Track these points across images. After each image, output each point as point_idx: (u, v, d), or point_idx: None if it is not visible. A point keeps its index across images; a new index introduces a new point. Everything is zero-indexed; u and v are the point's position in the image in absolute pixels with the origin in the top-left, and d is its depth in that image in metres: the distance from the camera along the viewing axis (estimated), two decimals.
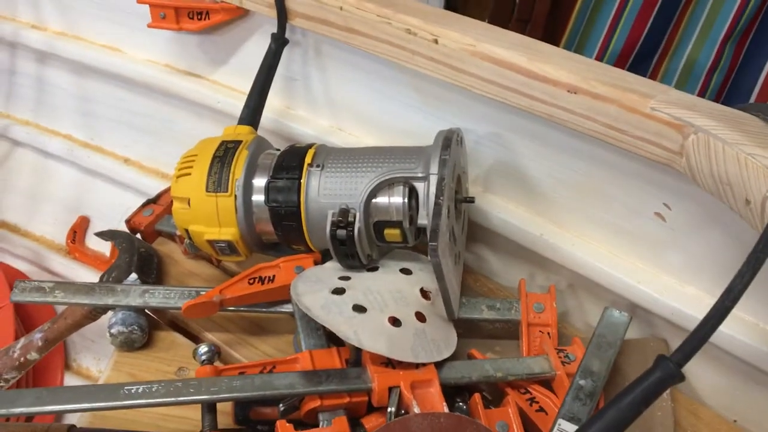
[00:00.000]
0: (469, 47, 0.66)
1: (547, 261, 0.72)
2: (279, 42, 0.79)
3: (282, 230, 0.68)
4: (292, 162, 0.68)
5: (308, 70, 0.84)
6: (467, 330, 0.71)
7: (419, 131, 0.78)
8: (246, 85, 0.81)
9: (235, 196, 0.67)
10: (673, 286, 0.66)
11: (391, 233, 0.66)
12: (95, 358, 1.02)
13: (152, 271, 0.76)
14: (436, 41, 0.68)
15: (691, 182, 0.57)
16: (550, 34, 1.55)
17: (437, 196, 0.61)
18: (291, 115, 0.87)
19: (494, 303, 0.70)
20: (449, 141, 0.64)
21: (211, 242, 0.68)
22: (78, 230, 1.07)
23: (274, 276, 0.69)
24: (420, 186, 0.64)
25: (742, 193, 0.52)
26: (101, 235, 0.80)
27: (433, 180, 0.62)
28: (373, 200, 0.65)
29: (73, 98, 1.06)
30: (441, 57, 0.68)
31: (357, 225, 0.64)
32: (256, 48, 0.84)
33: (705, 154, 0.55)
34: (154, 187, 0.98)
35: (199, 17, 0.85)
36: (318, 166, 0.67)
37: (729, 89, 1.60)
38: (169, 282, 0.78)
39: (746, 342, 0.62)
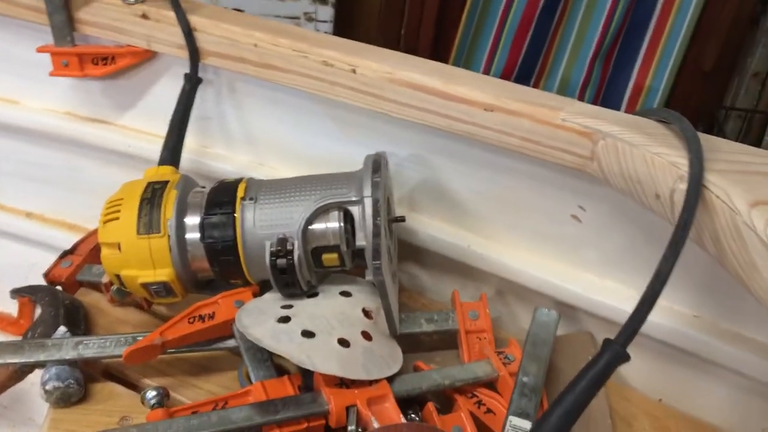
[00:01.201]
0: (387, 75, 0.70)
1: (476, 271, 0.76)
2: (193, 82, 0.79)
3: (219, 266, 0.68)
4: (224, 197, 0.68)
5: (223, 108, 0.85)
6: (407, 345, 0.73)
7: (338, 160, 0.80)
8: (157, 127, 0.81)
9: (169, 236, 0.67)
10: (593, 282, 0.72)
11: (329, 258, 0.68)
12: (11, 426, 0.96)
13: (80, 322, 0.74)
14: (354, 71, 0.71)
15: (602, 184, 0.63)
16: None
17: (374, 217, 0.64)
18: (208, 153, 0.88)
19: (432, 315, 0.72)
20: (378, 164, 0.67)
21: (145, 285, 0.67)
22: None
23: (214, 313, 0.68)
24: (355, 209, 0.66)
25: (652, 188, 0.58)
26: (19, 291, 0.77)
27: (368, 203, 0.65)
28: (310, 227, 0.67)
29: None
30: (360, 86, 0.71)
31: (296, 253, 0.65)
32: (166, 89, 0.84)
33: (614, 156, 0.60)
34: (62, 238, 0.95)
35: (104, 62, 0.84)
36: (251, 199, 0.68)
37: (602, 101, 1.74)
38: (98, 332, 0.76)
39: (663, 324, 0.68)
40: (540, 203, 0.72)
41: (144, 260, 0.67)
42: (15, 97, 0.95)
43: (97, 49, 0.84)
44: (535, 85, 1.67)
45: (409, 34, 1.57)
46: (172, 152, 0.77)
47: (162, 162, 0.76)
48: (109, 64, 0.84)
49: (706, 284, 0.66)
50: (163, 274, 0.67)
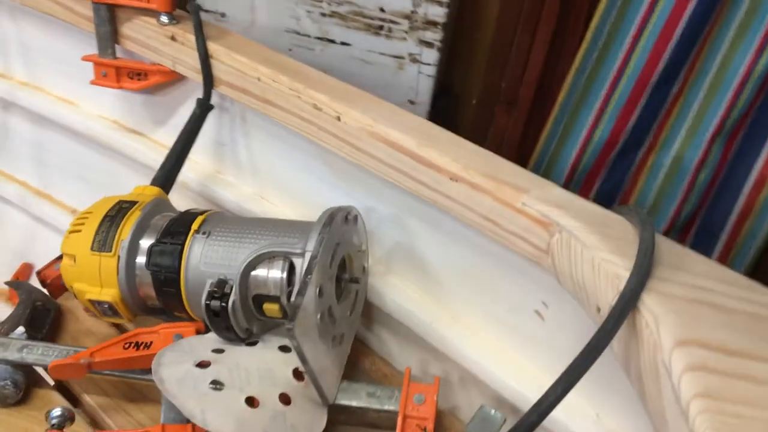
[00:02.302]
0: (368, 127, 0.66)
1: (436, 351, 0.69)
2: (203, 108, 0.79)
3: (162, 296, 0.67)
4: (180, 227, 0.67)
5: (235, 137, 0.84)
6: (349, 416, 0.68)
7: (329, 204, 0.76)
8: None
9: (119, 257, 0.66)
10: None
11: (270, 308, 0.65)
12: None
13: (44, 325, 0.75)
14: (339, 118, 0.68)
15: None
16: (536, 120, 1.54)
17: (305, 274, 0.59)
18: (219, 179, 0.87)
19: (375, 390, 0.67)
20: (332, 219, 0.63)
21: (92, 302, 0.67)
22: (21, 277, 1.07)
23: (151, 342, 0.67)
24: (298, 262, 0.63)
25: (594, 299, 0.50)
26: (8, 284, 0.80)
27: (306, 257, 0.61)
28: (252, 273, 0.64)
29: (30, 146, 1.08)
30: (343, 134, 0.68)
31: (232, 297, 0.63)
32: (190, 111, 0.85)
33: (566, 255, 0.53)
34: None
35: (138, 77, 0.87)
36: (204, 233, 0.66)
37: (718, 187, 1.57)
38: (63, 338, 0.77)
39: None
40: (506, 290, 0.64)
41: (93, 277, 0.67)
42: (74, 99, 1.01)
43: (133, 64, 0.86)
44: (644, 160, 1.53)
45: (510, 89, 1.50)
46: (166, 174, 0.78)
47: (154, 181, 0.77)
48: (143, 80, 0.87)
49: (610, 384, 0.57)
50: (108, 294, 0.67)
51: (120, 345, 0.67)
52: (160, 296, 0.67)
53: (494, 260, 0.63)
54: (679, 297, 0.45)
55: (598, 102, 1.50)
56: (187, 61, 0.80)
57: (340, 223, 0.64)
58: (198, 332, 0.68)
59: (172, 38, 0.81)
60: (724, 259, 1.63)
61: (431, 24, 1.55)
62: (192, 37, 0.79)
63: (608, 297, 0.48)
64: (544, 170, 1.58)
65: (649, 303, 0.45)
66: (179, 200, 0.89)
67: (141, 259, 0.67)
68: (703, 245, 1.63)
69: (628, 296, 0.45)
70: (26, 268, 1.09)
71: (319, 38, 1.60)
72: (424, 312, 0.70)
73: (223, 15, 1.62)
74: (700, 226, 1.62)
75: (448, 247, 0.68)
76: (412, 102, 1.62)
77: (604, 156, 1.53)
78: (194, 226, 0.66)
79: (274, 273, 0.63)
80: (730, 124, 1.47)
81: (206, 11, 1.61)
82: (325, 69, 1.60)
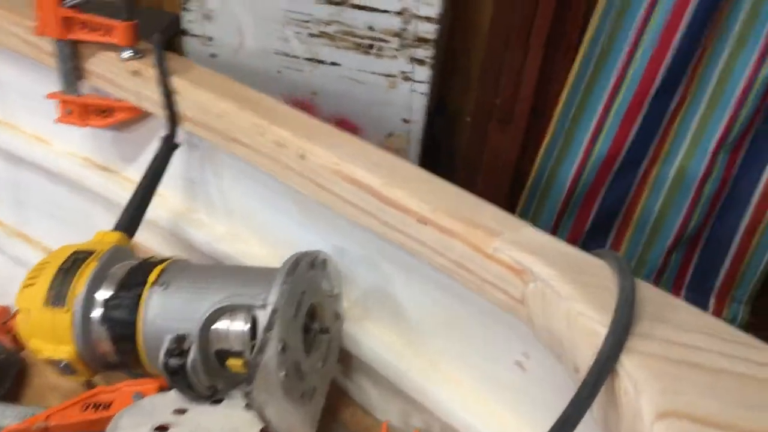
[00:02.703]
0: (332, 165, 0.61)
1: (417, 401, 0.65)
2: (168, 146, 0.76)
3: (120, 353, 0.63)
4: (136, 278, 0.63)
5: (205, 174, 0.80)
6: None
7: (303, 246, 0.72)
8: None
9: (73, 312, 0.62)
10: None
11: (234, 364, 0.61)
12: None
13: (6, 380, 0.71)
14: (303, 157, 0.63)
15: None
16: (532, 137, 1.50)
17: (266, 330, 0.55)
18: (191, 218, 0.83)
19: None
20: (296, 266, 0.59)
21: (48, 360, 0.63)
22: None
23: (111, 402, 0.63)
24: (260, 315, 0.59)
25: (572, 356, 0.45)
26: None
27: (268, 310, 0.57)
28: (214, 327, 0.60)
29: (6, 184, 1.05)
30: (308, 173, 0.64)
31: (191, 355, 0.59)
32: None
33: (541, 306, 0.48)
34: None
35: (104, 114, 0.83)
36: (163, 284, 0.62)
37: (725, 199, 1.51)
38: (27, 394, 0.73)
39: None
40: (485, 339, 0.60)
41: (47, 333, 0.63)
42: (46, 136, 0.97)
43: (99, 101, 0.83)
44: (647, 174, 1.48)
45: (505, 105, 1.46)
46: (130, 218, 0.74)
47: (117, 226, 0.73)
48: (109, 117, 0.83)
49: None
50: (64, 351, 0.63)
51: (79, 406, 0.63)
52: (118, 353, 0.63)
53: (471, 307, 0.59)
54: (661, 357, 0.41)
55: (596, 116, 1.46)
56: (152, 97, 0.76)
57: (305, 269, 0.60)
58: (161, 389, 0.64)
59: (135, 73, 0.77)
60: (734, 273, 1.58)
61: (422, 41, 1.51)
62: (155, 72, 0.75)
63: (586, 356, 0.43)
64: (543, 188, 1.53)
65: (629, 366, 0.40)
66: (151, 239, 0.86)
67: (97, 313, 0.63)
68: (710, 260, 1.57)
69: (605, 359, 0.41)
70: (4, 312, 1.05)
71: (308, 59, 1.56)
72: (402, 360, 0.65)
73: (210, 39, 1.59)
74: (707, 240, 1.56)
75: (422, 291, 0.63)
76: (406, 121, 1.58)
77: (605, 171, 1.48)
78: (152, 277, 0.62)
79: (237, 326, 0.59)
80: (734, 135, 1.42)
81: (193, 35, 1.59)
82: (316, 90, 1.57)
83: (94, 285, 0.63)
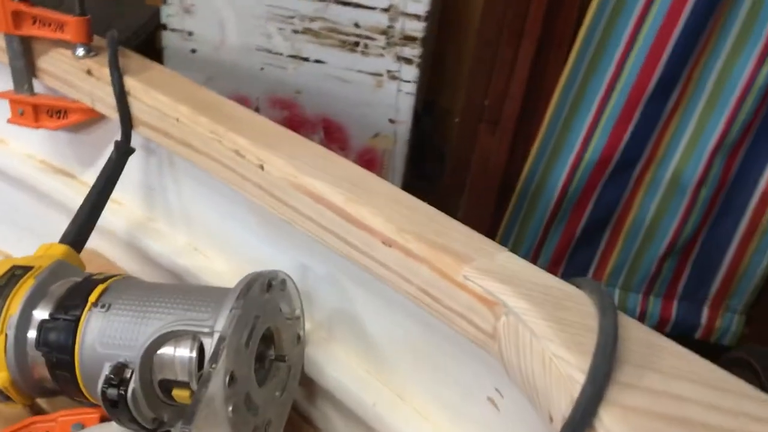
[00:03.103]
0: (291, 177, 0.56)
1: None
2: (121, 151, 0.70)
3: (57, 380, 0.57)
4: (76, 298, 0.57)
5: (164, 182, 0.75)
6: None
7: (265, 260, 0.67)
8: (115, 192, 0.73)
9: (6, 335, 0.57)
10: None
11: (181, 395, 0.55)
12: None
13: None
14: (261, 167, 0.58)
15: None
16: (522, 139, 1.44)
17: (210, 362, 0.50)
18: (150, 228, 0.78)
19: None
20: (248, 289, 0.53)
21: None
22: None
23: None
24: (207, 343, 0.53)
25: (546, 404, 0.40)
26: None
27: (215, 338, 0.51)
28: (157, 354, 0.54)
29: None
30: (267, 185, 0.58)
31: (132, 385, 0.53)
32: None
33: (514, 343, 0.43)
34: None
35: (57, 116, 0.78)
36: (103, 306, 0.56)
37: (722, 204, 1.46)
38: None
39: None
40: (457, 372, 0.54)
41: None
42: (4, 136, 0.92)
43: (52, 101, 0.77)
44: (641, 177, 1.43)
45: (493, 106, 1.40)
46: (78, 230, 0.68)
47: (64, 238, 0.68)
48: (62, 118, 0.77)
49: None
50: None
51: None
52: (55, 380, 0.57)
53: (440, 337, 0.54)
54: (646, 410, 0.36)
55: (588, 118, 1.40)
56: (105, 99, 0.71)
57: (258, 292, 0.55)
58: (104, 419, 0.59)
59: (89, 72, 0.71)
60: (729, 281, 1.53)
61: (409, 39, 1.45)
62: (108, 72, 0.69)
63: (561, 405, 0.38)
64: (533, 192, 1.48)
65: (608, 421, 0.35)
66: (109, 250, 0.80)
67: (31, 335, 0.57)
68: (705, 267, 1.52)
69: (582, 412, 0.35)
70: None
71: (291, 56, 1.50)
72: (368, 390, 0.60)
73: (190, 34, 1.53)
74: (702, 247, 1.51)
75: (388, 317, 0.58)
76: (392, 121, 1.52)
77: (597, 175, 1.43)
78: (92, 298, 0.57)
79: (182, 354, 0.54)
80: (731, 138, 1.37)
81: (173, 30, 1.53)
82: (300, 89, 1.51)
83: (30, 305, 0.58)
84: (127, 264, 0.81)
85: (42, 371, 0.58)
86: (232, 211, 0.68)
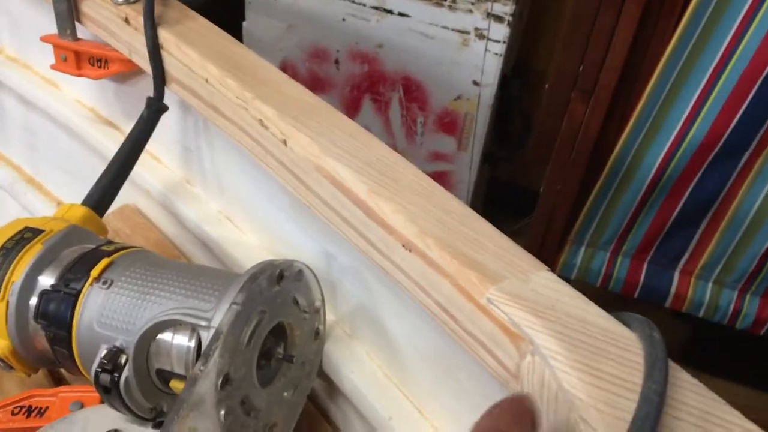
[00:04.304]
0: (314, 158, 0.49)
1: None
2: (153, 109, 0.65)
3: (56, 356, 0.54)
4: (79, 270, 0.53)
5: (200, 144, 0.70)
6: None
7: (293, 242, 0.61)
8: (153, 147, 0.68)
9: (8, 302, 0.53)
10: None
11: (178, 387, 0.50)
12: None
13: None
14: (285, 142, 0.51)
15: None
16: (617, 112, 1.32)
17: (200, 362, 0.44)
18: (186, 190, 0.73)
19: None
20: (253, 281, 0.48)
21: None
22: None
23: (46, 408, 0.55)
24: (204, 336, 0.48)
25: None
26: None
27: (210, 333, 0.46)
28: (154, 342, 0.50)
29: (22, 129, 0.98)
30: (289, 163, 0.52)
31: (125, 373, 0.49)
32: None
33: (538, 391, 0.35)
34: None
35: (99, 65, 0.73)
36: (105, 282, 0.52)
37: None
38: None
39: None
40: (480, 395, 0.47)
41: None
42: (57, 80, 0.89)
43: (93, 49, 0.73)
44: (747, 166, 1.28)
45: (588, 74, 1.28)
46: (102, 191, 0.64)
47: (87, 199, 0.64)
48: (103, 68, 0.73)
49: None
50: None
51: (8, 410, 0.55)
52: (54, 355, 0.54)
53: (466, 358, 0.46)
54: None
55: (693, 97, 1.25)
56: (141, 50, 0.65)
57: (266, 285, 0.49)
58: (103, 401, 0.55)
59: (126, 21, 0.66)
60: None
61: None
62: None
63: None
64: (625, 171, 1.35)
65: None
66: (149, 209, 0.77)
67: (33, 302, 0.54)
68: None
69: None
70: None
71: (375, 7, 1.42)
72: (384, 400, 0.53)
73: None
74: None
75: (412, 324, 0.51)
76: (476, 83, 1.42)
77: (699, 159, 1.29)
78: (94, 272, 0.52)
79: (179, 343, 0.49)
80: None
81: None
82: (381, 42, 1.43)
83: (35, 271, 0.54)
84: (164, 226, 0.77)
85: (43, 343, 0.54)
86: (264, 184, 0.62)
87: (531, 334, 0.36)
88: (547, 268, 0.40)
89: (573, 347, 0.35)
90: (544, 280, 0.39)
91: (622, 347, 0.35)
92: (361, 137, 0.51)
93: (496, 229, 0.43)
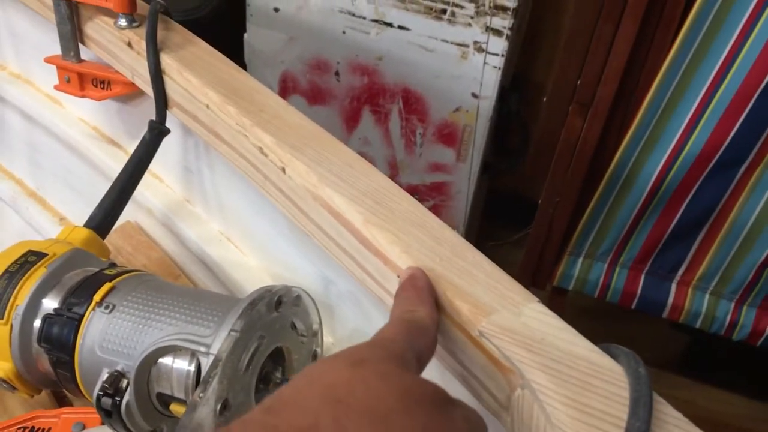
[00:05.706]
0: (312, 186, 0.50)
1: None
2: (156, 131, 0.66)
3: (59, 378, 0.55)
4: (82, 294, 0.54)
5: (201, 166, 0.71)
6: None
7: (293, 265, 0.62)
8: (155, 166, 0.70)
9: (12, 325, 0.54)
10: None
11: (179, 410, 0.51)
12: None
13: None
14: (283, 170, 0.52)
15: None
16: (615, 125, 1.33)
17: (199, 389, 0.45)
18: (187, 210, 0.74)
19: None
20: (252, 307, 0.49)
21: None
22: None
23: (49, 428, 0.56)
24: (204, 362, 0.49)
25: None
26: None
27: (209, 360, 0.47)
28: (155, 366, 0.51)
29: (25, 144, 0.99)
30: (288, 190, 0.53)
31: (126, 397, 0.50)
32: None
33: (528, 425, 0.36)
34: None
35: (101, 86, 0.74)
36: (107, 307, 0.53)
37: None
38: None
39: None
40: None
41: None
42: (60, 98, 0.90)
43: (96, 71, 0.74)
44: (746, 177, 1.29)
45: (587, 86, 1.29)
46: (104, 214, 0.65)
47: (89, 221, 0.65)
48: (106, 89, 0.74)
49: None
50: (1, 368, 0.55)
51: (12, 430, 0.56)
52: (57, 377, 0.55)
53: (452, 383, 0.47)
54: None
55: (691, 109, 1.26)
56: (144, 74, 0.67)
57: (265, 311, 0.50)
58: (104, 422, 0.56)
59: (129, 45, 0.67)
60: None
61: (501, 9, 1.35)
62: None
63: None
64: (623, 183, 1.36)
65: None
66: (150, 227, 0.78)
67: (37, 325, 0.55)
68: None
69: None
70: None
71: (375, 20, 1.43)
72: None
73: None
74: None
75: None
76: (475, 96, 1.44)
77: (696, 171, 1.30)
78: (97, 297, 0.53)
79: (179, 368, 0.50)
80: None
81: None
82: (381, 55, 1.44)
83: (39, 295, 0.55)
84: (166, 244, 0.78)
85: (46, 365, 0.56)
86: (264, 208, 0.63)
87: (521, 368, 0.37)
88: (537, 299, 0.41)
89: (561, 381, 0.36)
90: (535, 313, 0.40)
91: (609, 379, 0.36)
92: (358, 165, 0.52)
93: (488, 259, 0.44)
